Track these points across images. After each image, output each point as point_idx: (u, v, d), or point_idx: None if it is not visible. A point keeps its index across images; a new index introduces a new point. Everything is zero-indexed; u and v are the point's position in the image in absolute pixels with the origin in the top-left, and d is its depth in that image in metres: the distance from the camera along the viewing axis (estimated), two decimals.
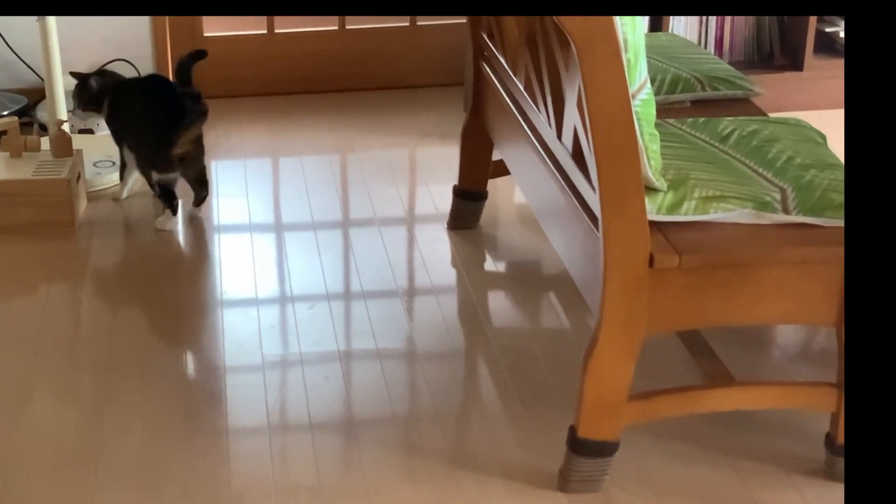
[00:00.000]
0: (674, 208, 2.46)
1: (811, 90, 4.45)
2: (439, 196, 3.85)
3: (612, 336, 2.39)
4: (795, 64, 4.51)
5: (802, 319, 2.50)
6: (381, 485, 2.55)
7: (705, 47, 4.50)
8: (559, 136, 2.67)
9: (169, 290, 3.34)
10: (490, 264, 3.53)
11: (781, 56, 4.58)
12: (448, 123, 4.41)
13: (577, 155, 2.57)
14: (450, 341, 3.13)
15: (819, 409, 2.54)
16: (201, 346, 3.11)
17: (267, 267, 3.48)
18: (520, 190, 3.23)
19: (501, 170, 3.58)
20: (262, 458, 2.65)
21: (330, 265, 3.48)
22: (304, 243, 3.60)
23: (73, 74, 3.79)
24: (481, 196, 3.63)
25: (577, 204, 2.55)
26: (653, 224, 2.38)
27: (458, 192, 3.62)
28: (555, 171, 2.71)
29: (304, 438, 2.72)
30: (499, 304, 3.33)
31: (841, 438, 2.53)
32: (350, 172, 4.14)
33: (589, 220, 2.48)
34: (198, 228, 3.71)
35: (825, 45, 4.55)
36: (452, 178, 3.75)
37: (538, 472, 2.57)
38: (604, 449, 2.48)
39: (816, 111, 4.26)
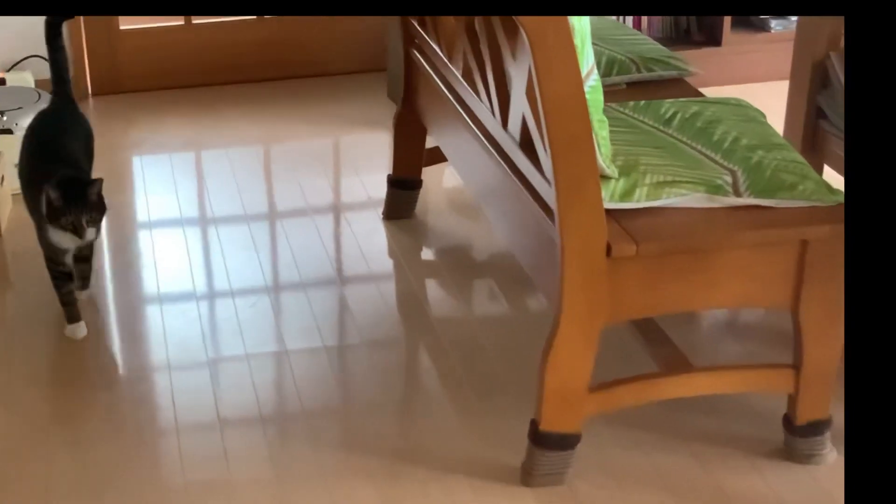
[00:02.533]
0: (626, 195, 2.34)
1: (731, 65, 4.35)
2: (372, 185, 3.69)
3: (572, 327, 2.27)
4: (713, 39, 4.41)
5: (759, 302, 2.40)
6: (337, 481, 2.41)
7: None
8: (504, 126, 2.54)
9: (102, 290, 3.16)
10: (428, 253, 3.39)
11: (699, 32, 4.48)
12: (373, 111, 4.24)
13: (525, 144, 2.44)
14: (395, 333, 2.99)
15: (777, 390, 2.45)
16: (142, 347, 2.93)
17: (203, 264, 3.30)
18: (460, 178, 3.09)
19: (435, 157, 3.44)
20: (212, 455, 2.50)
21: (267, 259, 3.31)
22: (239, 238, 3.42)
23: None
24: (416, 184, 3.48)
25: (528, 194, 2.42)
26: (607, 212, 2.25)
27: (393, 182, 3.46)
28: (500, 160, 2.57)
29: (255, 433, 2.57)
30: (441, 292, 3.19)
31: (799, 419, 2.45)
32: (279, 163, 3.96)
33: (541, 210, 2.35)
34: (126, 225, 3.52)
35: (741, 20, 4.46)
36: (384, 167, 3.61)
37: (501, 468, 2.44)
38: (566, 441, 2.36)
39: (737, 85, 4.20)
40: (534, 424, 2.36)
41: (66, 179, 2.79)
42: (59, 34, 3.11)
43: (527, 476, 2.39)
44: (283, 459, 2.49)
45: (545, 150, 2.23)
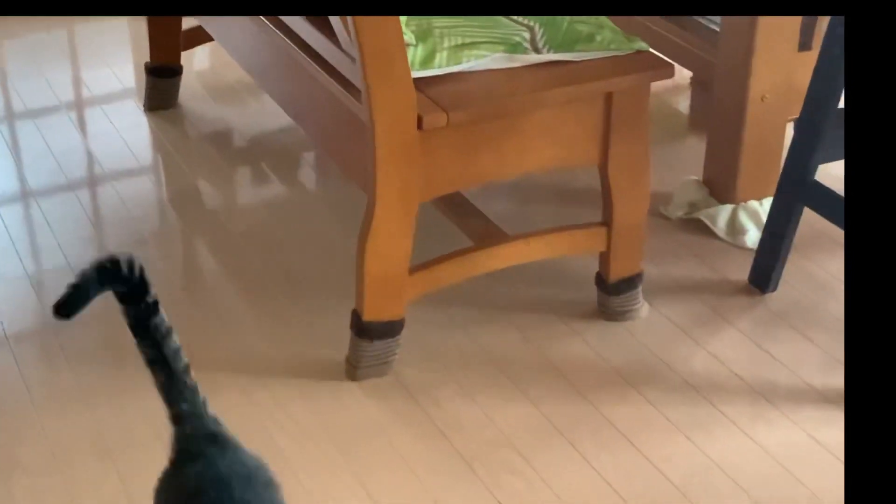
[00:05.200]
0: (426, 62, 2.11)
1: None
2: (125, 76, 3.30)
3: (388, 209, 2.04)
4: None
5: (570, 162, 2.23)
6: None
7: None
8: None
9: None
10: (199, 143, 3.05)
11: None
12: None
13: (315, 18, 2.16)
14: (177, 233, 2.68)
15: (590, 250, 2.31)
16: None
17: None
18: (235, 61, 2.76)
19: (192, 39, 3.09)
20: (9, 372, 2.17)
21: (30, 163, 2.90)
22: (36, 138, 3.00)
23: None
24: (176, 71, 3.11)
25: (325, 74, 2.14)
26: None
27: (151, 70, 3.08)
28: (286, 39, 2.27)
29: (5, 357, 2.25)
30: (221, 184, 2.88)
31: (612, 276, 2.32)
32: (15, 60, 3.50)
33: (342, 89, 2.09)
34: None
35: None
36: (137, 55, 3.22)
37: (325, 365, 2.20)
38: (391, 329, 2.15)
39: None
40: (356, 315, 2.14)
41: None
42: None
43: (352, 369, 2.17)
44: (83, 375, 2.18)
45: (347, 23, 1.95)
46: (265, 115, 3.11)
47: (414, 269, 2.13)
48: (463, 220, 2.36)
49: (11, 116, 3.16)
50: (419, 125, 1.99)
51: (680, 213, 2.69)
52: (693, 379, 2.19)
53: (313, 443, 2.04)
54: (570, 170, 2.78)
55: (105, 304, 1.46)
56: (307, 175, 2.92)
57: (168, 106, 3.13)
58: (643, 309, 2.37)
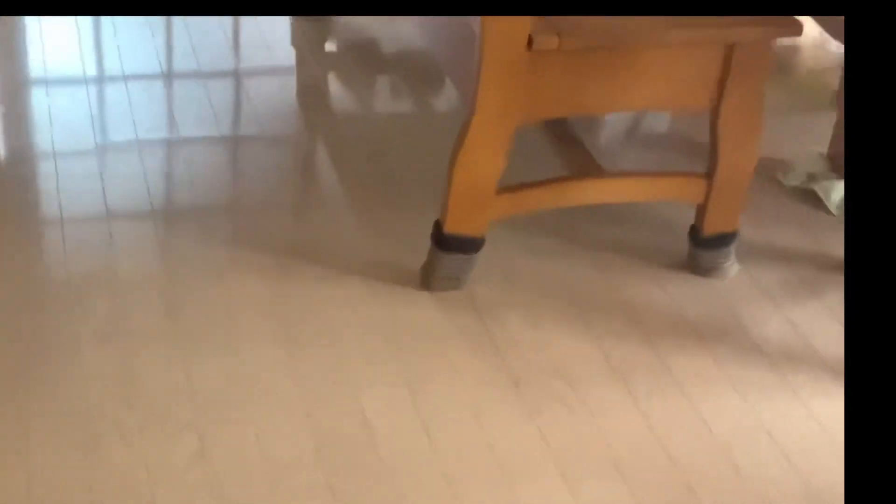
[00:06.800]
0: None
1: None
2: None
3: (486, 125, 2.06)
4: None
5: (681, 103, 2.20)
6: (229, 276, 2.21)
7: None
8: None
9: None
10: (334, 44, 3.13)
11: None
12: None
13: None
14: (296, 127, 2.75)
15: (688, 199, 2.29)
16: (25, 129, 2.66)
17: (93, 46, 3.00)
18: None
19: None
20: (98, 247, 2.27)
21: (164, 44, 3.02)
22: (133, 20, 3.12)
23: None
24: None
25: None
26: None
27: None
28: None
29: (144, 225, 2.34)
30: (346, 87, 2.94)
31: (707, 230, 2.30)
32: None
33: None
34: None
35: None
36: None
37: (400, 269, 2.26)
38: (470, 245, 2.18)
39: None
40: (437, 226, 2.18)
41: None
42: None
43: (426, 278, 2.22)
44: (172, 253, 2.28)
45: None
46: (404, 28, 3.16)
47: (502, 190, 2.16)
48: (564, 148, 2.37)
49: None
50: (529, 45, 2.01)
51: (796, 182, 2.65)
52: (765, 344, 2.17)
53: (369, 336, 2.10)
54: (687, 121, 2.76)
55: None
56: (435, 96, 2.96)
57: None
58: (733, 268, 2.35)
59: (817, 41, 2.93)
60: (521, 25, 1.98)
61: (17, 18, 3.10)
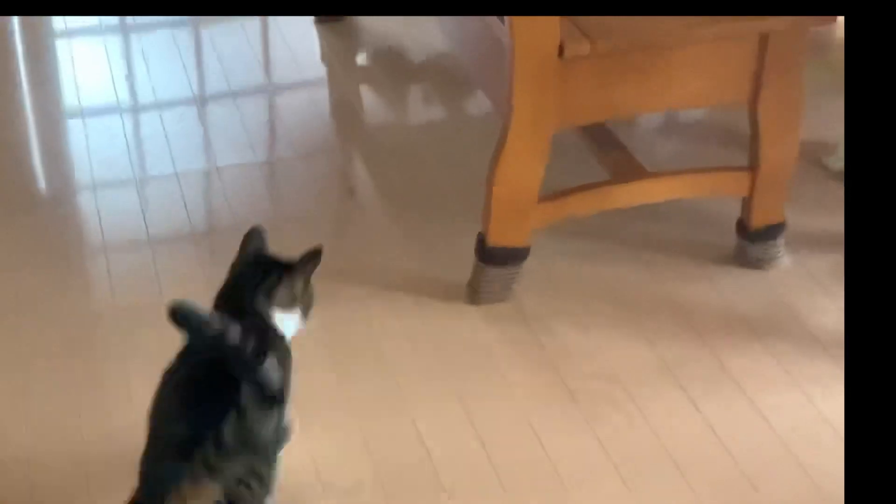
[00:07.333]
0: None
1: None
2: None
3: (522, 135, 2.06)
4: None
5: (717, 99, 2.19)
6: None
7: None
8: None
9: (12, 101, 2.88)
10: (363, 57, 3.13)
11: None
12: None
13: None
14: (330, 143, 2.76)
15: (733, 193, 2.27)
16: (64, 165, 2.69)
17: (125, 74, 3.02)
18: None
19: None
20: (144, 277, 2.29)
21: (193, 66, 3.04)
22: (161, 44, 3.14)
23: None
24: None
25: None
26: None
27: None
28: None
29: (187, 252, 2.36)
30: (377, 99, 2.95)
31: (754, 223, 2.28)
32: None
33: None
34: (42, 33, 3.22)
35: None
36: None
37: (446, 285, 2.25)
38: (515, 256, 2.17)
39: None
40: (480, 239, 2.17)
41: None
42: None
43: (473, 293, 2.21)
44: (215, 278, 2.29)
45: None
46: (430, 35, 3.15)
47: (543, 198, 2.15)
48: (603, 151, 2.36)
49: (196, 21, 3.31)
50: (560, 52, 2.00)
51: (841, 165, 2.61)
52: (822, 335, 2.14)
53: (419, 355, 2.10)
54: (723, 111, 2.73)
55: None
56: (467, 102, 2.95)
57: (338, 18, 3.18)
58: (783, 258, 2.33)
59: None
60: (551, 33, 1.97)
61: (50, 49, 3.13)
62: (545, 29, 1.96)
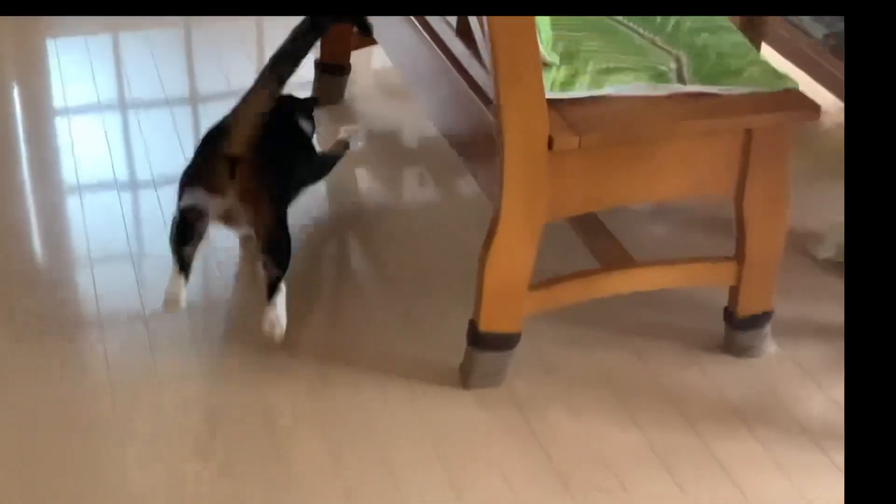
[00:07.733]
0: (567, 84, 2.16)
1: None
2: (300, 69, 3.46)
3: (513, 224, 2.11)
4: None
5: (703, 191, 2.25)
6: (265, 381, 2.25)
7: None
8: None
9: (12, 181, 2.93)
10: (355, 142, 3.18)
11: None
12: None
13: (462, 31, 2.24)
14: (323, 224, 2.81)
15: (719, 284, 2.32)
16: (62, 244, 2.73)
17: (123, 150, 3.07)
18: (392, 63, 2.89)
19: (364, 40, 3.22)
20: (138, 351, 2.33)
21: (191, 145, 3.09)
22: (160, 122, 3.19)
23: None
24: (345, 70, 3.26)
25: (465, 83, 2.23)
26: (547, 102, 2.07)
27: (321, 67, 3.23)
28: (436, 47, 2.37)
29: (182, 329, 2.39)
30: (372, 181, 3.01)
31: (741, 312, 2.33)
32: (199, 45, 3.71)
33: (480, 101, 2.17)
34: (41, 113, 3.27)
35: None
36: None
37: (438, 368, 2.29)
38: (506, 342, 2.22)
39: None
40: (472, 325, 2.21)
41: None
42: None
43: (465, 377, 2.25)
44: (210, 357, 2.33)
45: (484, 35, 2.04)
46: (425, 119, 3.21)
47: (535, 286, 2.19)
48: (592, 239, 2.41)
49: (195, 99, 3.38)
50: (550, 145, 2.05)
51: (828, 255, 2.66)
52: (809, 423, 2.18)
53: (411, 441, 2.13)
54: (711, 197, 2.79)
55: None
56: (461, 184, 3.01)
57: (334, 101, 3.26)
58: (770, 347, 2.37)
59: (839, 106, 2.96)
60: (540, 127, 2.03)
61: (48, 122, 3.19)
62: (534, 122, 2.02)
